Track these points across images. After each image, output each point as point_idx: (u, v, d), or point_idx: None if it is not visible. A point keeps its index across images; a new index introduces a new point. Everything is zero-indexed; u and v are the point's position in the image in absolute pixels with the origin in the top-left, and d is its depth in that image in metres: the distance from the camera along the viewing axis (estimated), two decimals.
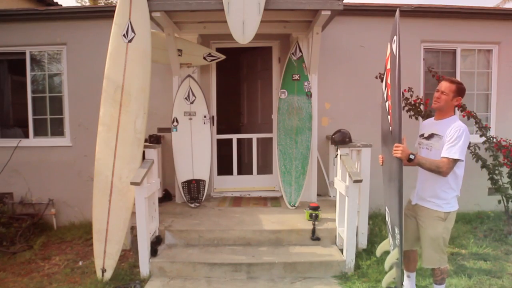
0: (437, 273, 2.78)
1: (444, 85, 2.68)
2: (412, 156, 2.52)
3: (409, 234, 2.85)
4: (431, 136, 2.72)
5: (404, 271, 3.03)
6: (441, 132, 2.65)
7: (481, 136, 4.89)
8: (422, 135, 2.83)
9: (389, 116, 2.80)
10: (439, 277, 2.79)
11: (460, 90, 2.67)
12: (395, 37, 2.73)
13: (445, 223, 2.67)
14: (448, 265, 2.90)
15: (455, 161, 2.53)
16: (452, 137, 2.54)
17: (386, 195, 3.09)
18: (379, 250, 3.12)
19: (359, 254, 3.89)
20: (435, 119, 2.79)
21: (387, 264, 2.80)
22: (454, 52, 5.75)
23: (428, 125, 2.82)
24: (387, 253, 2.96)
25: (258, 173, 5.77)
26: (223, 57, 5.17)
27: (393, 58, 2.73)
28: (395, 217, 2.66)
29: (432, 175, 2.62)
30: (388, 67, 2.89)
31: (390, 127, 2.75)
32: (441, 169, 2.51)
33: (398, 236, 2.63)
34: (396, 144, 2.57)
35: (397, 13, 2.73)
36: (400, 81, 2.58)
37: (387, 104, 2.90)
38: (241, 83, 6.82)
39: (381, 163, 3.06)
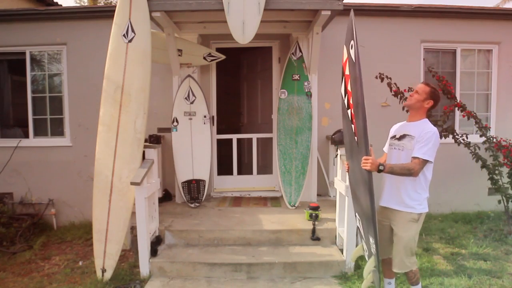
0: (411, 276, 2.76)
1: (419, 86, 2.73)
2: (381, 167, 2.51)
3: (385, 242, 2.80)
4: (403, 136, 2.72)
5: (384, 279, 2.99)
6: (413, 132, 2.66)
7: (481, 136, 4.89)
8: (393, 137, 2.82)
9: (353, 126, 2.72)
10: (414, 278, 2.77)
11: (433, 94, 2.68)
12: (352, 41, 2.62)
13: (417, 225, 2.71)
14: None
15: (425, 161, 2.55)
16: (423, 138, 2.57)
17: (354, 201, 3.12)
18: (353, 256, 3.09)
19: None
20: (407, 121, 2.80)
21: (365, 273, 2.74)
22: (454, 52, 5.75)
23: (400, 127, 2.83)
24: (362, 258, 2.86)
25: (258, 173, 5.77)
26: (223, 57, 5.17)
27: (352, 64, 2.62)
28: (369, 226, 2.58)
29: (402, 178, 2.63)
30: (347, 72, 2.78)
31: (356, 138, 2.68)
32: (412, 170, 2.51)
33: (374, 246, 2.55)
34: (364, 157, 2.52)
35: (351, 13, 2.66)
36: (362, 89, 2.48)
37: (349, 112, 2.81)
38: (241, 83, 6.82)
39: (346, 171, 3.09)
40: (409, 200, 2.66)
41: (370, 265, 2.67)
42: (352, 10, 2.71)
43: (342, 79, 2.94)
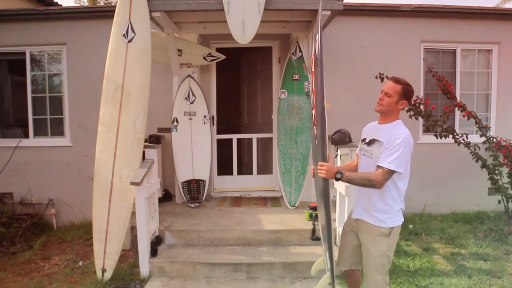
0: None
1: (388, 85, 2.35)
2: (339, 175, 2.22)
3: (350, 251, 2.54)
4: (372, 142, 2.40)
5: None
6: (382, 138, 2.33)
7: (481, 136, 4.89)
8: (363, 140, 2.50)
9: (315, 128, 2.46)
10: None
11: (406, 92, 2.34)
12: (317, 35, 2.38)
13: (389, 240, 2.35)
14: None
15: (391, 172, 2.22)
16: (391, 144, 2.24)
17: (319, 210, 2.86)
18: (313, 269, 2.78)
19: None
20: (378, 122, 2.48)
21: None
22: (454, 52, 5.74)
23: (370, 129, 2.51)
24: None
25: (258, 173, 5.77)
26: (223, 57, 5.17)
27: (316, 61, 2.38)
28: (325, 240, 2.39)
29: (371, 189, 2.32)
30: (313, 69, 2.55)
31: (316, 141, 2.43)
32: (374, 182, 2.20)
33: (328, 261, 2.37)
34: (320, 163, 2.25)
35: (321, 3, 2.46)
36: (323, 88, 2.23)
37: (313, 112, 2.54)
38: (241, 83, 6.82)
39: (312, 176, 2.71)
40: (377, 213, 2.35)
41: (325, 281, 2.49)
42: (321, 1, 2.49)
43: (311, 76, 2.68)
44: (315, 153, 2.67)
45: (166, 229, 4.08)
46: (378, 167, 2.25)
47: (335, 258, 2.55)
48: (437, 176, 5.63)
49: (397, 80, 2.35)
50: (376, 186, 2.23)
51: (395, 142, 2.23)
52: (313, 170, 2.60)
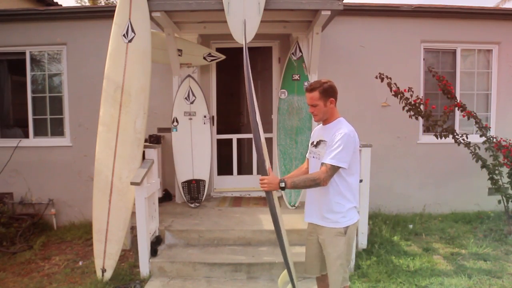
0: None
1: (308, 97, 2.36)
2: (282, 184, 2.21)
3: (316, 258, 2.53)
4: (318, 143, 2.44)
5: None
6: (326, 137, 2.37)
7: (481, 136, 4.89)
8: (312, 143, 2.53)
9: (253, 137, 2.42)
10: None
11: (325, 91, 2.34)
12: (244, 48, 2.39)
13: (346, 238, 2.37)
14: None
15: (335, 168, 2.24)
16: (332, 141, 2.28)
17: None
18: (280, 282, 2.65)
19: (359, 254, 3.89)
20: (323, 124, 2.50)
21: None
22: (454, 52, 5.74)
23: (317, 132, 2.54)
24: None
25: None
26: (223, 57, 5.17)
27: (245, 65, 2.33)
28: (282, 255, 2.39)
29: (320, 190, 2.34)
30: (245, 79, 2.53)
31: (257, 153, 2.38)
32: (318, 180, 2.22)
33: (288, 274, 2.40)
34: (260, 177, 2.24)
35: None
36: (253, 97, 2.22)
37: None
38: (241, 83, 6.82)
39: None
40: (330, 214, 2.35)
41: (283, 277, 2.50)
42: None
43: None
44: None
45: (166, 229, 4.08)
46: (321, 164, 2.28)
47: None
48: (437, 176, 5.63)
49: (311, 88, 2.36)
50: (321, 184, 2.23)
51: (335, 138, 2.27)
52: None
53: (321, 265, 2.52)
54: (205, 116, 5.06)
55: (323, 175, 2.22)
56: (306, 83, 4.93)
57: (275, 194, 2.37)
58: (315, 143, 2.48)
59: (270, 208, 2.27)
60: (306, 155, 2.65)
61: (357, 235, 3.88)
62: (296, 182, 2.25)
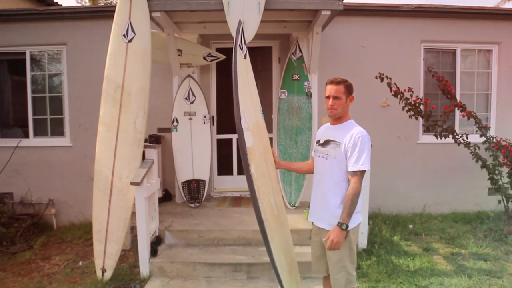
0: None
1: (333, 89, 2.37)
2: (344, 227, 2.24)
3: (321, 259, 2.57)
4: (327, 142, 2.43)
5: None
6: (338, 138, 2.38)
7: (481, 136, 4.89)
8: (318, 142, 2.53)
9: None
10: None
11: (350, 88, 2.40)
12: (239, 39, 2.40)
13: (347, 241, 2.36)
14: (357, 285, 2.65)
15: (364, 172, 2.30)
16: (355, 147, 2.30)
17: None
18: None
19: (359, 254, 3.89)
20: (331, 124, 2.51)
21: None
22: (454, 52, 5.74)
23: (324, 131, 2.54)
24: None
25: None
26: (223, 57, 5.17)
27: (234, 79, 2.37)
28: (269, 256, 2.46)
29: (326, 191, 2.39)
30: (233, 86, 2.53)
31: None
32: (357, 192, 2.25)
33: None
34: (328, 240, 2.27)
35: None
36: (238, 104, 2.25)
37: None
38: None
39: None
40: (335, 219, 2.32)
41: None
42: None
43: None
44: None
45: (166, 229, 4.08)
46: (352, 172, 2.29)
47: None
48: (437, 176, 5.63)
49: (337, 82, 2.38)
50: (359, 191, 2.26)
51: (358, 143, 2.30)
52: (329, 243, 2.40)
53: (327, 266, 2.55)
54: (205, 116, 5.06)
55: (358, 184, 2.26)
56: (306, 83, 4.93)
57: (270, 197, 2.39)
58: (322, 142, 2.48)
59: (259, 220, 2.32)
60: (311, 154, 2.65)
61: None
62: (347, 212, 2.25)
